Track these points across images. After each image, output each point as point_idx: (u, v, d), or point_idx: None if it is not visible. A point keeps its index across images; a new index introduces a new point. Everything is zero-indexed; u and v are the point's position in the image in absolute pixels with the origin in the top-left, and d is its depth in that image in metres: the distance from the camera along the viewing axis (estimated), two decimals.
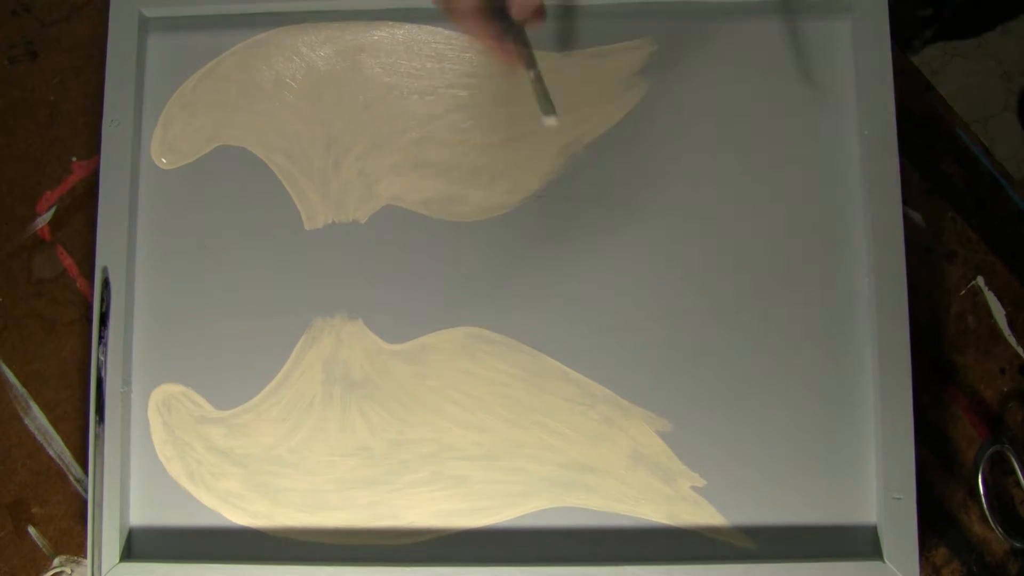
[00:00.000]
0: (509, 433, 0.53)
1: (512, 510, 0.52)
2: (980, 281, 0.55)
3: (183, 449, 0.54)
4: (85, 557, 0.53)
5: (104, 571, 0.52)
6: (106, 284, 0.54)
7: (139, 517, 0.53)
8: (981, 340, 0.54)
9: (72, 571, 0.55)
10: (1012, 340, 0.54)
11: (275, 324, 0.54)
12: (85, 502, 0.55)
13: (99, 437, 0.53)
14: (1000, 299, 0.54)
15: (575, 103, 0.55)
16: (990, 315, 0.54)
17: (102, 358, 0.53)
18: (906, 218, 0.52)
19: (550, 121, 0.46)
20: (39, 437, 0.56)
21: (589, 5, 0.55)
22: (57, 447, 0.56)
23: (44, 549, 0.55)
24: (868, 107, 0.52)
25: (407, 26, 0.56)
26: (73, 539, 0.55)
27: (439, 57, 0.56)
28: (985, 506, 0.52)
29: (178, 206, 0.56)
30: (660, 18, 0.55)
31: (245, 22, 0.56)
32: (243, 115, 0.56)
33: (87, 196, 0.57)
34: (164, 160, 0.56)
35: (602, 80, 0.55)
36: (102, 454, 0.53)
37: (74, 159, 0.58)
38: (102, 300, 0.54)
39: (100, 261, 0.54)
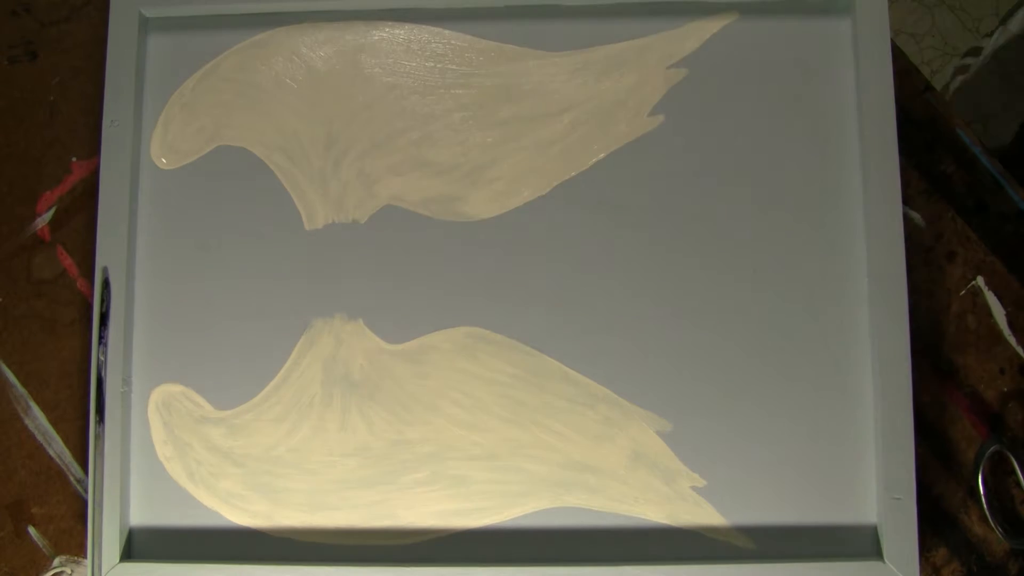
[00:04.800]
0: (509, 433, 0.53)
1: (512, 510, 0.52)
2: (980, 281, 0.55)
3: (183, 449, 0.54)
4: (85, 557, 0.53)
5: (104, 571, 0.52)
6: (106, 284, 0.54)
7: (139, 517, 0.53)
8: (981, 340, 0.54)
9: (72, 571, 0.55)
10: (1012, 340, 0.54)
11: (275, 324, 0.54)
12: (85, 502, 0.55)
13: (99, 437, 0.53)
14: (1000, 299, 0.54)
15: (576, 103, 0.55)
16: (990, 315, 0.54)
17: (102, 358, 0.53)
18: (906, 218, 0.52)
19: None
20: (39, 437, 0.56)
21: (587, 5, 0.55)
22: (57, 447, 0.56)
23: (44, 549, 0.55)
24: (868, 107, 0.52)
25: (407, 26, 0.56)
26: (73, 539, 0.55)
27: (439, 57, 0.56)
28: (985, 506, 0.52)
29: (178, 206, 0.56)
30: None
31: (245, 22, 0.56)
32: (243, 115, 0.56)
33: (87, 196, 0.57)
34: (164, 160, 0.56)
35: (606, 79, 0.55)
36: (102, 454, 0.53)
37: (74, 159, 0.58)
38: (102, 300, 0.54)
39: (100, 261, 0.54)
